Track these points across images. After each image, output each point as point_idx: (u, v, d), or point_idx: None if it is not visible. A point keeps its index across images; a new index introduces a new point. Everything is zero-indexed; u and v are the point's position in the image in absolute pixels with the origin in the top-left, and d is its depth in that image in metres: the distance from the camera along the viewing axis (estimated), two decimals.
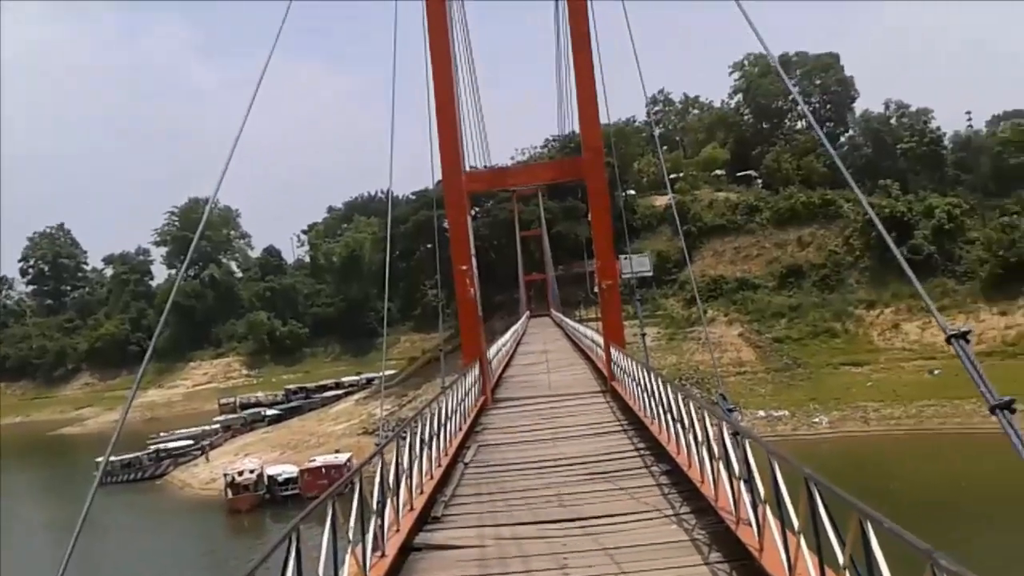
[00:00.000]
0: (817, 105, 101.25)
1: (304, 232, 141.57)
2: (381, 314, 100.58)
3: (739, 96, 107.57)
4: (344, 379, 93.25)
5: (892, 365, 60.96)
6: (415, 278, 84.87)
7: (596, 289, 23.47)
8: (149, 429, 78.72)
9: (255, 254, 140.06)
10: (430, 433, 13.29)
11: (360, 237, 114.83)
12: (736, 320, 69.24)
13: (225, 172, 9.66)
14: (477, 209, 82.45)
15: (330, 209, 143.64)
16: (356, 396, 79.13)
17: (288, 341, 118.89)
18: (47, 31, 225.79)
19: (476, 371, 22.25)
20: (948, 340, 5.48)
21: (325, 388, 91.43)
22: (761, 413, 56.18)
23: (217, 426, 76.85)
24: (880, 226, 6.85)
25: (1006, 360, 56.37)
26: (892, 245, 6.67)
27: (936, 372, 55.72)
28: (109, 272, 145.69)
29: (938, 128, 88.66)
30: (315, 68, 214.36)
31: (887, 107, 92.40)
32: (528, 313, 74.60)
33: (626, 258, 54.55)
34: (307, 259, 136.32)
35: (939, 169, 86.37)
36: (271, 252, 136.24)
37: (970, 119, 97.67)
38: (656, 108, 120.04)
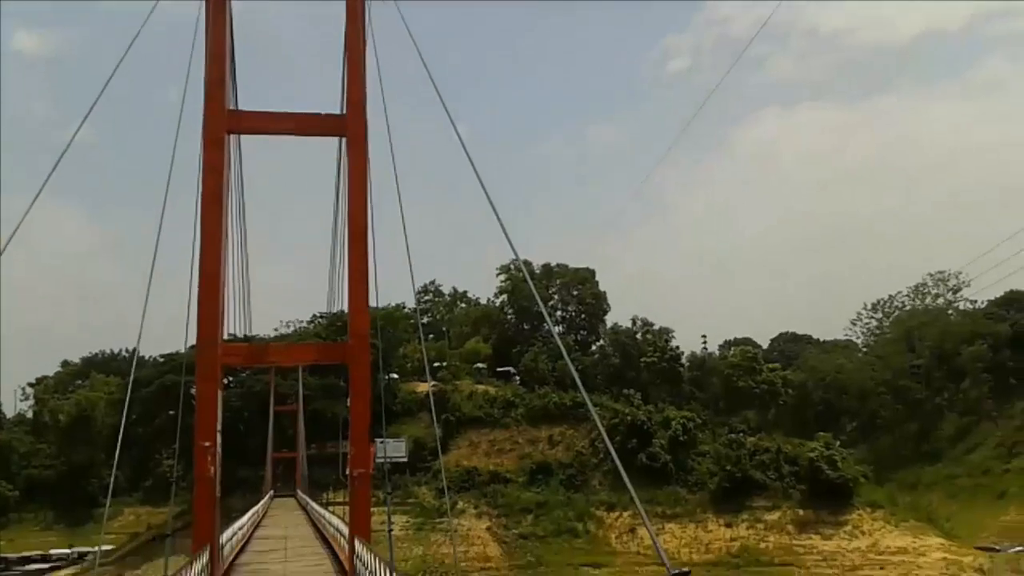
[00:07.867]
0: (574, 314, 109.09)
1: (31, 385, 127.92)
2: (106, 481, 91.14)
3: (504, 296, 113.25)
4: (52, 551, 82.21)
5: (628, 569, 63.14)
6: (151, 446, 78.64)
7: (348, 473, 22.70)
8: None
9: None
10: None
11: (94, 396, 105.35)
12: (485, 513, 69.48)
13: None
14: (230, 378, 79.01)
15: (64, 363, 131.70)
16: (64, 572, 71.39)
17: None
18: None
19: (205, 558, 20.59)
20: None
21: (29, 560, 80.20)
22: None
23: None
24: (606, 436, 7.52)
25: (730, 572, 60.27)
26: (614, 454, 7.35)
27: None
28: None
29: (678, 347, 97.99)
30: (75, 212, 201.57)
31: (634, 323, 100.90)
32: (272, 492, 70.75)
33: (382, 442, 53.85)
34: (30, 415, 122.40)
35: (677, 384, 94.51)
36: None
37: (705, 342, 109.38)
38: (426, 297, 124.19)
